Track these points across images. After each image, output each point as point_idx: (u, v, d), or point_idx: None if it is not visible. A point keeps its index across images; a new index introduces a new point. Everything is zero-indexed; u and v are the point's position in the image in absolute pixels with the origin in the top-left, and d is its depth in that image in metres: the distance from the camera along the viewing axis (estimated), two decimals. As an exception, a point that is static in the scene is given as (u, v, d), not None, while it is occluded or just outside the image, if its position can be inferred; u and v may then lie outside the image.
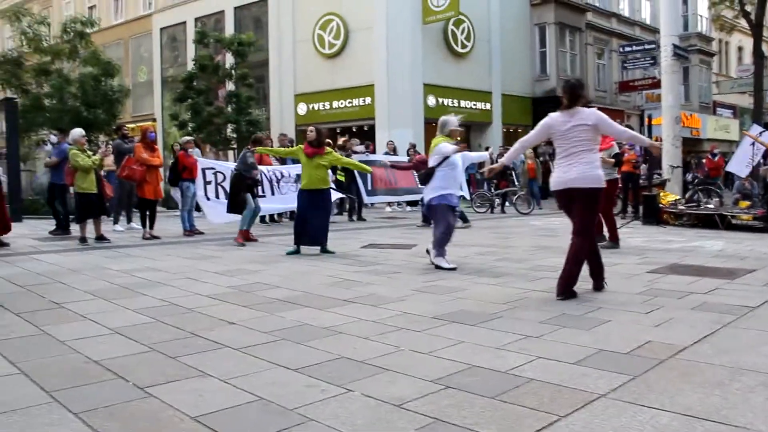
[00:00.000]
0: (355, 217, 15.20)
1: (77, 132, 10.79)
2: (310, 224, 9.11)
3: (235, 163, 11.93)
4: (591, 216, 5.87)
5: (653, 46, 27.41)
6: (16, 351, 4.18)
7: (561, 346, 4.16)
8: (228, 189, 11.62)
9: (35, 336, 4.61)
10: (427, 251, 7.92)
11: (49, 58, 23.56)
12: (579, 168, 5.73)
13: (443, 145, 7.68)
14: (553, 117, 5.99)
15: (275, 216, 14.61)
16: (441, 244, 7.67)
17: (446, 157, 7.63)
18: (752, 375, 3.54)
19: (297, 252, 9.17)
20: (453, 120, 7.92)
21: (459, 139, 8.16)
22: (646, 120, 30.27)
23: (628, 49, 29.51)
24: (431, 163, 7.82)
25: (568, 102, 5.97)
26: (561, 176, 5.85)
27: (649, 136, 19.28)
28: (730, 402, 3.13)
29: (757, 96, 27.22)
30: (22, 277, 7.23)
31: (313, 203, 9.13)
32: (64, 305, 5.65)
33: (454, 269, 7.46)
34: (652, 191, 14.80)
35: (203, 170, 12.01)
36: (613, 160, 9.73)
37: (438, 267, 7.56)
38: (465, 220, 13.41)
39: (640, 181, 16.13)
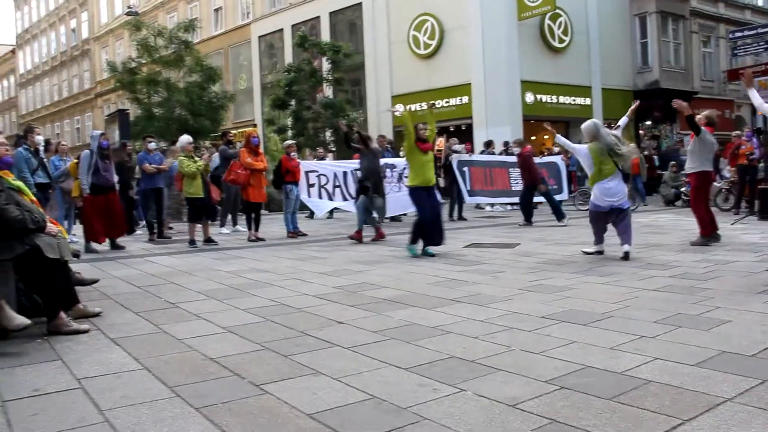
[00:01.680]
0: (455, 217, 15.13)
1: (185, 139, 11.21)
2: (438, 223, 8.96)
3: (344, 164, 12.22)
4: None
5: (767, 29, 25.98)
6: (138, 348, 4.38)
7: (679, 347, 4.00)
8: (331, 191, 11.93)
9: (154, 334, 4.81)
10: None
11: (159, 68, 24.69)
12: None
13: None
14: None
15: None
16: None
17: None
18: None
19: (429, 254, 8.87)
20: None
21: None
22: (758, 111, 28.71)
23: (738, 34, 28.08)
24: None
25: None
26: None
27: (764, 127, 18.21)
28: None
29: None
30: (138, 278, 7.57)
31: (435, 200, 9.07)
32: (179, 305, 5.87)
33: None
34: (768, 185, 14.00)
35: (306, 173, 12.30)
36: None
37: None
38: (561, 216, 13.17)
39: (759, 175, 15.29)
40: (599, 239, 8.37)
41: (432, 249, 8.93)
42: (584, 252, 8.48)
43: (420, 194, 8.89)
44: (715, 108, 31.82)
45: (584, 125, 8.45)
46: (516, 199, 15.52)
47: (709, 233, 9.15)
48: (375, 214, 11.20)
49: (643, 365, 3.67)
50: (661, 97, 28.25)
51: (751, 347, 3.94)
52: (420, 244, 8.92)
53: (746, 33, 26.91)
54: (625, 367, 3.65)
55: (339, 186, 12.78)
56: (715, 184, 17.21)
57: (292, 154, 12.46)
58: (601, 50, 27.15)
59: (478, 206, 17.96)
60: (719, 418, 2.90)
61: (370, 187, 10.89)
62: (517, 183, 16.23)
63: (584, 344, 4.14)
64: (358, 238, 10.93)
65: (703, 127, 8.97)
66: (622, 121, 9.11)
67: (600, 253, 8.29)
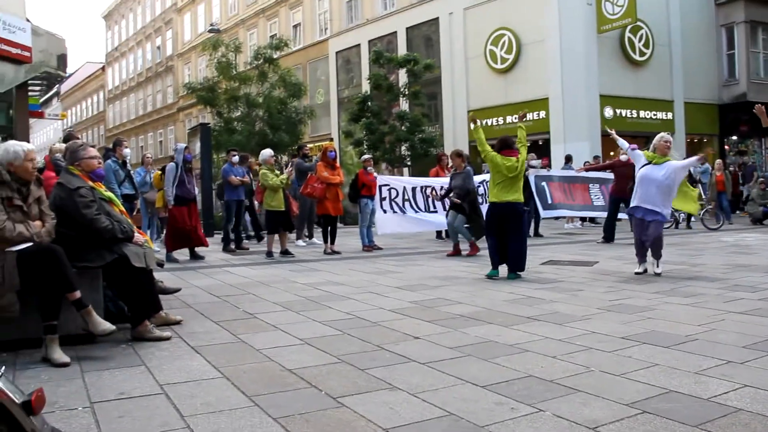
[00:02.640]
0: (532, 233, 14.92)
1: (267, 153, 11.47)
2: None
3: (415, 180, 12.28)
4: None
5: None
6: (217, 356, 4.49)
7: (770, 374, 3.83)
8: (401, 204, 12.08)
9: (233, 343, 4.92)
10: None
11: (238, 84, 25.32)
12: None
13: None
14: None
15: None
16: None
17: None
18: None
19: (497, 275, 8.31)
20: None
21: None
22: None
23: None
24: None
25: None
26: None
27: None
28: None
29: None
30: (217, 288, 7.75)
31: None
32: (257, 315, 5.99)
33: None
34: None
35: (380, 187, 12.41)
36: None
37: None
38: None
39: None
40: (641, 257, 8.38)
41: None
42: (636, 273, 8.31)
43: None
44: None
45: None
46: (595, 214, 15.17)
47: None
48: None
49: (731, 392, 3.53)
50: (748, 111, 27.21)
51: None
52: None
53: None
54: (712, 393, 3.52)
55: (408, 200, 12.84)
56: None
57: (369, 168, 12.58)
58: (684, 63, 26.40)
59: (556, 219, 17.67)
60: (815, 450, 2.77)
61: (467, 207, 10.88)
62: (597, 198, 15.90)
63: (667, 367, 4.01)
64: (474, 251, 10.96)
65: None
66: (690, 161, 8.83)
67: (645, 272, 8.28)
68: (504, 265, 8.30)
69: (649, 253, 8.28)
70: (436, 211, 13.14)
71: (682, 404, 3.36)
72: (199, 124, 20.31)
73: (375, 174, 12.72)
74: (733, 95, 27.46)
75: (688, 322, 5.28)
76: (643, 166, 8.19)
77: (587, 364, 4.13)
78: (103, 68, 66.07)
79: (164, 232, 11.64)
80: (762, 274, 8.04)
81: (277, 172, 11.37)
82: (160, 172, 10.77)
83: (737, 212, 21.69)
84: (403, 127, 23.50)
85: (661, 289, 7.08)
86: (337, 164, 12.22)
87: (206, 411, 3.39)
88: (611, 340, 4.74)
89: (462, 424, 3.16)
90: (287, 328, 5.41)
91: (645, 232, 8.14)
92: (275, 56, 26.03)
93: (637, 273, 8.26)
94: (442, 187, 12.68)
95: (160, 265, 6.06)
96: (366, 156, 13.50)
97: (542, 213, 15.11)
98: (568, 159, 18.54)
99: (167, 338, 5.04)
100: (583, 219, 18.02)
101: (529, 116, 24.83)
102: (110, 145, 12.00)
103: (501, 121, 25.44)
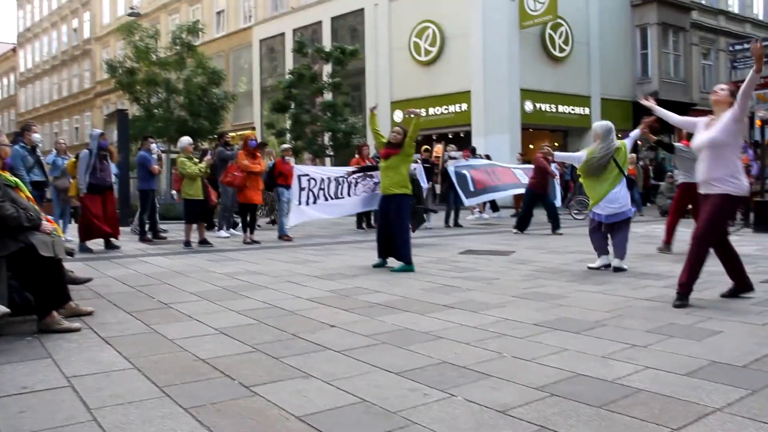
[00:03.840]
0: (451, 224, 15.12)
1: (185, 140, 11.23)
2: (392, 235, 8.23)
3: (336, 170, 12.23)
4: None
5: (767, 43, 26.07)
6: (128, 347, 4.37)
7: (670, 357, 3.99)
8: (316, 193, 12.11)
9: (146, 334, 4.79)
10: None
11: (157, 69, 24.67)
12: None
13: None
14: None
15: (371, 222, 14.68)
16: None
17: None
18: None
19: (382, 265, 8.35)
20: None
21: None
22: (756, 122, 28.83)
23: (738, 47, 28.17)
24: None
25: None
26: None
27: (762, 139, 18.27)
28: None
29: None
30: (132, 278, 7.55)
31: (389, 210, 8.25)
32: (172, 305, 5.86)
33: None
34: (765, 197, 14.04)
35: (298, 177, 12.30)
36: None
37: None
38: (557, 226, 13.13)
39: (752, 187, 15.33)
40: (602, 251, 8.01)
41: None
42: (589, 267, 7.98)
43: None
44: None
45: (600, 123, 8.15)
46: (523, 190, 15.39)
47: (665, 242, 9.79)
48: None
49: (634, 374, 3.67)
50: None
51: (742, 358, 3.94)
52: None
53: (746, 46, 26.97)
54: (617, 375, 3.65)
55: (323, 189, 12.77)
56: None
57: (287, 158, 12.50)
58: (601, 60, 27.22)
59: (471, 211, 17.65)
60: (708, 428, 2.90)
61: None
62: (523, 177, 16.05)
63: (576, 352, 4.14)
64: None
65: (677, 143, 9.11)
66: (634, 133, 8.67)
67: (607, 266, 7.91)
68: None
69: (611, 248, 8.04)
70: (343, 197, 13.10)
71: (588, 387, 3.47)
72: (116, 110, 19.66)
73: (293, 164, 12.62)
74: (646, 93, 28.42)
75: (597, 309, 5.46)
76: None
77: (500, 349, 4.21)
78: (14, 49, 63.31)
79: (77, 221, 11.26)
80: (668, 263, 8.37)
81: (196, 160, 11.15)
82: (74, 160, 10.38)
83: (648, 204, 22.52)
84: (326, 116, 23.41)
85: (574, 277, 7.29)
86: (258, 153, 12.07)
87: (115, 403, 3.29)
88: (524, 327, 4.85)
89: (375, 410, 3.18)
90: (202, 317, 5.31)
91: (613, 233, 7.93)
92: (195, 42, 25.46)
93: (590, 267, 7.97)
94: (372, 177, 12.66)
95: (70, 254, 5.85)
96: (285, 145, 13.40)
97: (466, 202, 15.26)
98: (473, 152, 18.64)
99: (76, 330, 4.87)
100: (494, 209, 18.11)
101: (452, 108, 25.17)
102: (19, 130, 11.49)
103: (423, 113, 25.61)
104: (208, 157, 11.79)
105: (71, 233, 11.30)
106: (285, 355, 4.13)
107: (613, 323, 4.95)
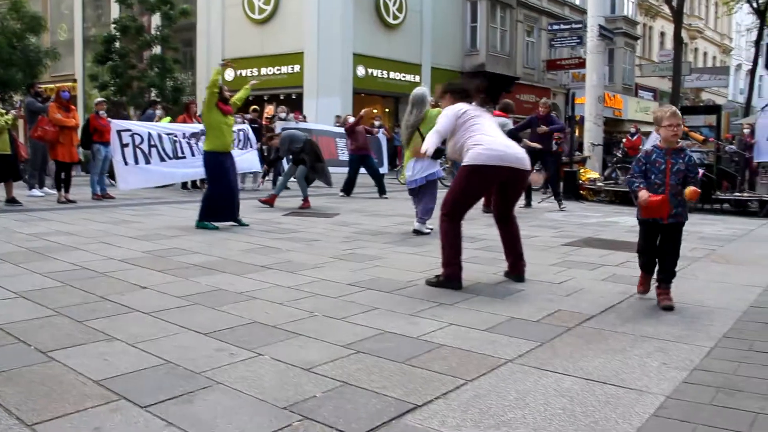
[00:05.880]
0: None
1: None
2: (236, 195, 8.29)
3: (162, 126, 11.71)
4: None
5: (580, 26, 27.91)
6: None
7: (473, 314, 4.23)
8: (147, 151, 11.49)
9: (-69, 298, 4.40)
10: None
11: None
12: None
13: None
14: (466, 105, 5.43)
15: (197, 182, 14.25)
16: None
17: None
18: (651, 342, 3.69)
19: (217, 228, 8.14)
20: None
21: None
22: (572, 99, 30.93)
23: (556, 27, 30.06)
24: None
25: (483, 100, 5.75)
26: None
27: (573, 115, 19.66)
28: (628, 366, 3.25)
29: (675, 80, 28.04)
30: None
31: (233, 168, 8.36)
32: (-34, 268, 5.41)
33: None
34: (572, 168, 15.15)
35: (119, 132, 11.55)
36: None
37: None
38: (383, 191, 13.45)
39: (563, 159, 16.49)
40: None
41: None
42: (414, 231, 8.03)
43: (218, 161, 8.12)
44: (534, 94, 33.79)
45: (417, 90, 8.19)
46: (338, 169, 15.58)
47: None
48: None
49: (438, 330, 3.84)
50: (486, 81, 29.47)
51: (537, 314, 4.25)
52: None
53: (563, 27, 28.78)
54: (422, 332, 3.80)
55: (155, 146, 12.11)
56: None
57: (101, 112, 11.78)
58: (433, 30, 27.91)
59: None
60: (498, 377, 3.11)
61: (307, 158, 10.63)
62: (343, 153, 16.32)
63: (386, 311, 4.27)
64: (306, 207, 10.75)
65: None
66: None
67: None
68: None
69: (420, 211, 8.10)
70: (184, 157, 12.61)
71: (393, 343, 3.60)
72: None
73: (108, 119, 11.87)
74: (473, 64, 29.53)
75: (412, 270, 5.66)
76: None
77: (312, 309, 4.26)
78: None
79: None
80: (483, 226, 8.82)
81: (3, 111, 10.28)
82: None
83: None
84: (153, 72, 22.34)
85: (393, 240, 7.50)
86: (73, 106, 11.31)
87: None
88: (338, 287, 4.94)
89: (179, 371, 3.12)
90: (1, 281, 4.94)
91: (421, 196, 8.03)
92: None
93: (415, 231, 8.02)
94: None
95: None
96: (99, 99, 12.63)
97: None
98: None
99: None
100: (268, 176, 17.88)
101: (284, 69, 24.87)
102: None
103: (255, 72, 25.17)
104: (18, 107, 10.92)
105: None
106: (89, 319, 3.94)
107: (424, 283, 5.13)
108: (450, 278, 5.02)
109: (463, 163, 5.14)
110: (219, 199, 8.09)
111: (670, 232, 4.56)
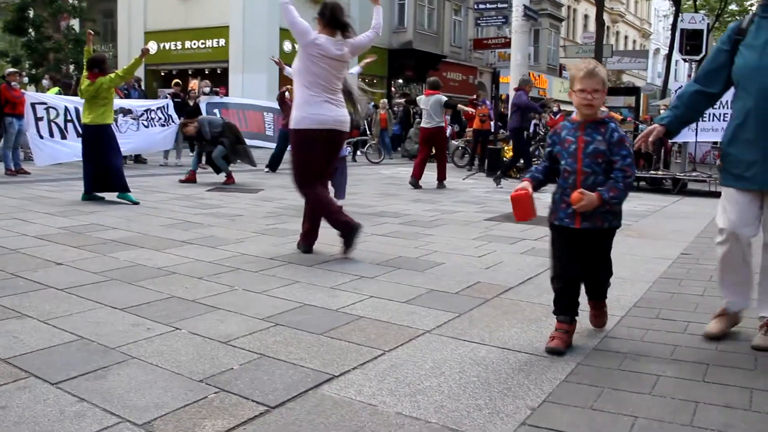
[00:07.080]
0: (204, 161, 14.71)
1: None
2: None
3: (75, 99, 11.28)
4: None
5: (506, 5, 28.18)
6: None
7: (394, 287, 4.28)
8: (63, 126, 11.12)
9: None
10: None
11: None
12: (344, 110, 5.24)
13: None
14: (323, 36, 5.28)
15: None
16: None
17: None
18: (564, 311, 3.81)
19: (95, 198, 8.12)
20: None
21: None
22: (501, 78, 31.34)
23: (482, 6, 30.22)
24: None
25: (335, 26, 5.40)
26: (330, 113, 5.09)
27: (498, 94, 19.97)
28: (543, 336, 3.34)
29: (597, 61, 28.70)
30: None
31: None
32: None
33: None
34: (496, 145, 15.40)
35: (33, 105, 11.09)
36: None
37: None
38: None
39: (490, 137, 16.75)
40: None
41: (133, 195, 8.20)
42: None
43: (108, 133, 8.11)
44: (461, 73, 34.08)
45: None
46: (265, 144, 15.41)
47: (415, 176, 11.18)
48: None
49: (357, 303, 3.88)
50: (413, 58, 29.63)
51: (456, 286, 4.33)
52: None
53: (488, 6, 29.02)
54: (341, 304, 3.83)
55: (71, 120, 11.66)
56: (453, 142, 18.64)
57: (14, 83, 11.30)
58: (361, 6, 27.65)
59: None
60: (416, 348, 3.17)
61: (226, 140, 10.47)
62: (269, 128, 16.12)
63: (307, 284, 4.28)
64: (230, 182, 10.67)
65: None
66: (355, 69, 8.97)
67: None
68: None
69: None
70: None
71: (313, 316, 3.62)
72: None
73: (22, 90, 11.39)
74: (401, 42, 29.62)
75: (335, 244, 5.63)
76: None
77: (232, 283, 4.24)
78: None
79: None
80: (406, 202, 8.92)
81: None
82: None
83: (398, 149, 23.68)
84: (70, 45, 21.51)
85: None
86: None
87: None
88: (259, 261, 4.92)
89: (93, 347, 3.06)
90: None
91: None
92: None
93: None
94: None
95: None
96: (11, 69, 12.10)
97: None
98: (216, 93, 18.17)
99: None
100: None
101: (209, 43, 24.33)
102: None
103: (180, 46, 24.59)
104: None
105: None
106: (-2, 296, 3.82)
107: (344, 258, 5.16)
108: (350, 226, 5.10)
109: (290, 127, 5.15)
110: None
111: (588, 243, 3.25)
